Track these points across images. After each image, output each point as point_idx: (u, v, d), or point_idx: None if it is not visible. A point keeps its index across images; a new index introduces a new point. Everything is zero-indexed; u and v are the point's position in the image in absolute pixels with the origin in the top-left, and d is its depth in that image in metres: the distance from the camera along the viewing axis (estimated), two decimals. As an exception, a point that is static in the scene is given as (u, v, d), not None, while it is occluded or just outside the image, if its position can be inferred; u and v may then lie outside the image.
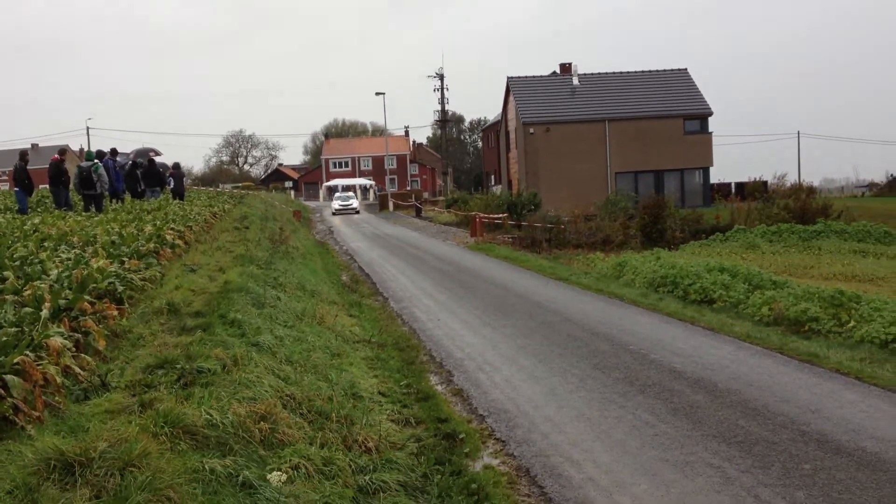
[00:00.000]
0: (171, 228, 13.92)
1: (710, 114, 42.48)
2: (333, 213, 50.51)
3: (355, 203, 53.88)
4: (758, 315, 11.67)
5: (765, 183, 42.97)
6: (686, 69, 44.96)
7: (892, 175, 60.54)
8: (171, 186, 25.55)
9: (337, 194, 59.62)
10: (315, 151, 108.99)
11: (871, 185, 61.40)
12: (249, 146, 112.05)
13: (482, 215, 29.76)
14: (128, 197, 23.00)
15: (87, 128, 76.67)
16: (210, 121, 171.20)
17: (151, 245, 11.33)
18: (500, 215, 30.25)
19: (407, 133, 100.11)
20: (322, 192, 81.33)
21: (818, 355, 9.16)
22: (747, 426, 6.79)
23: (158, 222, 14.25)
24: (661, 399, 7.69)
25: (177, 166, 26.40)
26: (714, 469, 5.88)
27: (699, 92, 43.54)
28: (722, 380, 8.28)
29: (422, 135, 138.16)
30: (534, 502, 5.55)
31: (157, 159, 25.65)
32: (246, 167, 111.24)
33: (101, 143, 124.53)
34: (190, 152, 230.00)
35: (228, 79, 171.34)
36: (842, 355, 9.13)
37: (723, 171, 75.07)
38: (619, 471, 5.94)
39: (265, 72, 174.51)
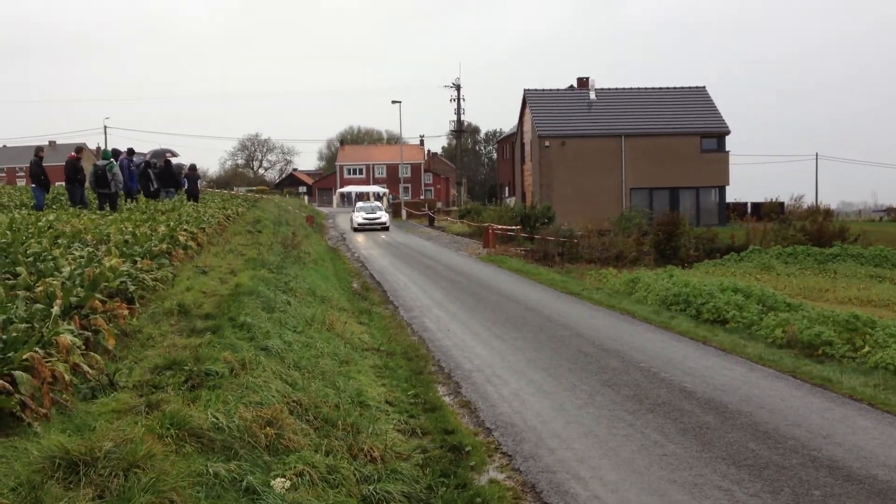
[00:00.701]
0: (185, 230, 13.98)
1: (728, 132, 42.31)
2: (354, 229, 39.59)
3: (384, 217, 41.14)
4: (771, 337, 11.56)
5: (781, 204, 42.73)
6: (704, 87, 44.83)
7: (911, 200, 60.02)
8: (186, 188, 25.66)
9: (360, 204, 45.18)
10: (330, 157, 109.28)
11: (890, 210, 60.77)
12: (265, 150, 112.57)
13: (495, 227, 29.75)
14: (142, 197, 23.13)
15: (105, 126, 77.19)
16: (226, 123, 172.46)
17: (164, 246, 11.37)
18: (514, 227, 30.22)
19: (422, 142, 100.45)
20: (336, 199, 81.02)
21: (831, 380, 9.05)
22: (757, 449, 6.70)
23: (172, 223, 14.30)
24: (670, 418, 7.61)
25: (192, 168, 26.52)
26: (723, 492, 5.79)
27: (717, 110, 43.38)
28: (733, 401, 8.19)
29: (437, 144, 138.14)
30: (539, 519, 5.49)
31: (174, 160, 25.79)
32: (261, 171, 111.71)
33: (120, 142, 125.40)
34: (208, 154, 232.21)
35: (246, 82, 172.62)
36: (855, 381, 9.02)
37: (739, 190, 74.74)
38: (626, 490, 5.86)
39: (282, 76, 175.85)
